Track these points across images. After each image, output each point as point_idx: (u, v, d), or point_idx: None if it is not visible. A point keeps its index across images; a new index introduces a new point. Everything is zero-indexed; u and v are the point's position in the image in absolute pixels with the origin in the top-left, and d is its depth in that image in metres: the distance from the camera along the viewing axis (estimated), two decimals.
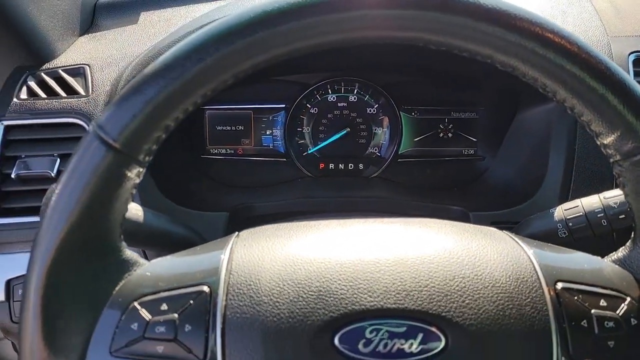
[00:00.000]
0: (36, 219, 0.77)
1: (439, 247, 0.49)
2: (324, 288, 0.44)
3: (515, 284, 0.45)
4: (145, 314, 0.44)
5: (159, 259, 0.51)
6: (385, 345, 0.43)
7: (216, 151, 0.99)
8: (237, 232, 0.51)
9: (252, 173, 0.98)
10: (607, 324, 0.44)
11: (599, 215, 0.62)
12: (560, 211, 0.66)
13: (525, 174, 0.87)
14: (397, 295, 0.44)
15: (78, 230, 0.45)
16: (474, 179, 0.97)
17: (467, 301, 0.44)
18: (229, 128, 0.98)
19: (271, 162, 0.99)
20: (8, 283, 0.79)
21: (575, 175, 0.78)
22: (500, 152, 0.95)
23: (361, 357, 0.43)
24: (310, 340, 0.43)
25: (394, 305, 0.44)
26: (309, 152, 0.98)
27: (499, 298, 0.44)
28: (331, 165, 0.98)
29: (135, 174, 0.46)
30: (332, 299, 0.44)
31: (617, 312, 0.45)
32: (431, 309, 0.43)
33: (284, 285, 0.45)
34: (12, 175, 0.77)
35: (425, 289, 0.44)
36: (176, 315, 0.44)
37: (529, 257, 0.48)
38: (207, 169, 0.98)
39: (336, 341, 0.43)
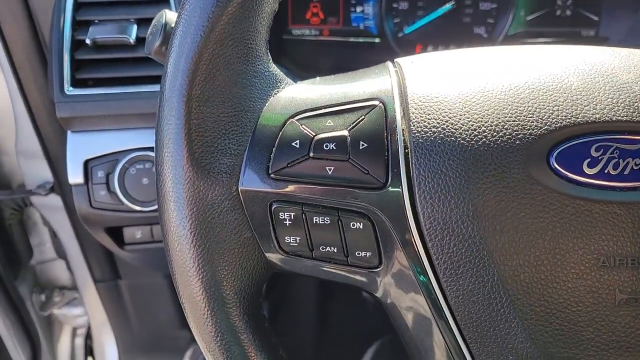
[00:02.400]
0: (113, 90, 0.69)
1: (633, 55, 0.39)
2: (534, 97, 0.35)
3: None
4: (308, 131, 0.36)
5: (308, 80, 0.42)
6: (617, 165, 0.34)
7: (299, 32, 0.88)
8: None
9: (339, 57, 0.88)
10: None
11: None
12: None
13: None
14: (627, 107, 0.34)
15: (222, 26, 0.36)
16: None
17: None
18: (314, 3, 0.87)
19: (361, 44, 0.88)
20: (86, 164, 0.71)
21: None
22: (632, 27, 0.82)
23: (586, 179, 0.33)
24: (522, 159, 0.34)
25: (624, 118, 0.34)
26: (406, 32, 0.87)
27: None
28: (430, 48, 0.87)
29: None
30: (545, 110, 0.34)
31: None
32: None
33: (481, 95, 0.35)
34: (87, 41, 0.69)
35: None
36: (346, 131, 0.36)
37: None
38: (289, 53, 0.88)
39: (553, 161, 0.34)
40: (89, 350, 1.25)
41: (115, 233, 0.78)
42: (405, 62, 0.40)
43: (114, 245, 0.78)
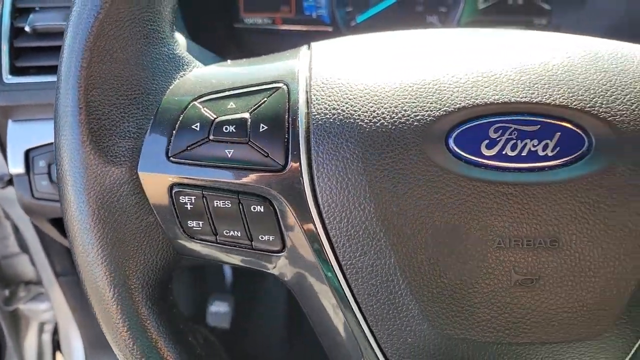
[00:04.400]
0: (55, 78, 0.68)
1: (576, 41, 0.39)
2: (435, 80, 0.35)
3: None
4: (209, 113, 0.36)
5: (220, 63, 0.42)
6: (514, 146, 0.34)
7: (252, 20, 0.87)
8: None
9: (292, 46, 0.87)
10: None
11: None
12: None
13: (618, 30, 0.75)
14: (528, 88, 0.34)
15: (117, 7, 0.35)
16: None
17: (615, 95, 0.34)
18: None
19: (314, 34, 0.87)
20: (27, 153, 0.70)
21: None
22: (582, 15, 0.83)
23: (484, 161, 0.33)
24: (420, 141, 0.34)
25: (524, 99, 0.34)
26: (358, 21, 0.86)
27: None
28: None
29: None
30: (446, 92, 0.34)
31: None
32: (572, 104, 0.34)
33: (384, 77, 0.35)
34: (26, 29, 0.67)
35: (562, 81, 0.34)
36: (247, 114, 0.35)
37: None
38: (241, 42, 0.88)
39: (451, 142, 0.34)
40: (57, 346, 1.24)
41: (62, 224, 0.76)
42: (318, 45, 0.40)
43: (61, 237, 0.77)
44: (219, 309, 1.14)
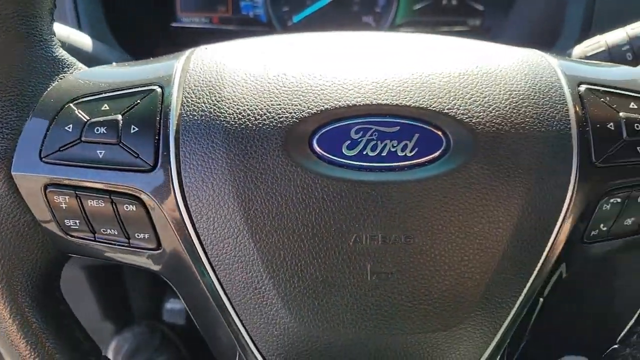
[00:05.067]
0: None
1: (441, 43, 0.40)
2: (300, 83, 0.36)
3: (531, 82, 0.37)
4: (82, 115, 0.36)
5: (102, 65, 0.42)
6: (374, 147, 0.35)
7: (188, 19, 0.88)
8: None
9: None
10: (637, 127, 0.37)
11: (623, 49, 0.53)
12: (580, 49, 0.56)
13: (538, 37, 0.77)
14: (390, 91, 0.36)
15: None
16: None
17: (474, 98, 0.36)
18: None
19: (251, 33, 0.88)
20: None
21: (595, 20, 0.68)
22: (510, 20, 0.84)
23: (345, 161, 0.35)
24: (283, 142, 0.35)
25: (385, 101, 0.35)
26: (294, 20, 0.87)
27: (511, 96, 0.36)
28: None
29: None
30: (310, 94, 0.36)
31: None
32: (430, 106, 0.35)
33: (252, 80, 0.36)
34: None
35: (424, 84, 0.36)
36: (120, 115, 0.36)
37: (548, 60, 0.40)
38: (178, 41, 0.88)
39: (315, 143, 0.35)
40: None
41: None
42: (201, 49, 0.41)
43: None
44: (174, 306, 1.15)
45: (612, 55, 0.54)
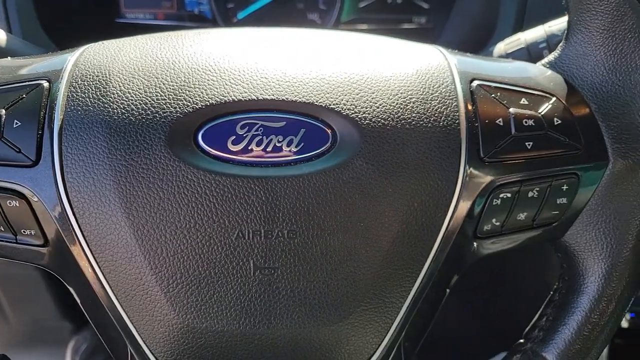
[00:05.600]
0: None
1: (338, 39, 0.40)
2: (186, 79, 0.36)
3: (422, 78, 0.38)
4: None
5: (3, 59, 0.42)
6: (260, 142, 0.35)
7: (133, 15, 0.87)
8: None
9: None
10: (526, 123, 0.38)
11: (540, 46, 0.54)
12: (501, 46, 0.57)
13: (477, 32, 0.78)
14: (276, 86, 0.36)
15: None
16: None
17: (362, 94, 0.36)
18: None
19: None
20: None
21: (528, 17, 0.69)
22: (451, 17, 0.85)
23: (229, 156, 0.35)
24: (166, 137, 0.35)
25: (271, 96, 0.35)
26: (239, 17, 0.87)
27: (400, 92, 0.37)
28: None
29: None
30: (196, 90, 0.35)
31: (540, 111, 0.38)
32: (317, 101, 0.35)
33: (141, 75, 0.36)
34: None
35: (313, 80, 0.36)
36: (3, 110, 0.36)
37: (445, 57, 0.40)
38: (123, 37, 0.87)
39: (200, 138, 0.35)
40: None
41: None
42: (97, 44, 0.40)
43: None
44: None
45: (531, 52, 0.54)
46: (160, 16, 0.87)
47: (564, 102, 0.39)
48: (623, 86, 0.39)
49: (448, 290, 0.41)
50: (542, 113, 0.38)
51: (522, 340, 0.44)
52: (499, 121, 0.38)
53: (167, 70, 0.36)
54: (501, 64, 0.42)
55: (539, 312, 0.44)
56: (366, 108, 0.36)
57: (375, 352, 0.38)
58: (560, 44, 0.42)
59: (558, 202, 0.39)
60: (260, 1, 0.86)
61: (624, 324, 0.75)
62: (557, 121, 0.38)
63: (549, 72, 0.42)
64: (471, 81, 0.39)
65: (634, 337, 0.77)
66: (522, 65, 0.42)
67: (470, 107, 0.38)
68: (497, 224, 0.39)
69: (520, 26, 0.70)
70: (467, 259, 0.40)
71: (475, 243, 0.39)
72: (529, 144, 0.38)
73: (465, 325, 0.95)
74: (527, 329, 0.45)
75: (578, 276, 0.42)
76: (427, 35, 0.88)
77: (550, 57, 0.43)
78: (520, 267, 0.81)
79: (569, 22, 0.41)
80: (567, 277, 0.43)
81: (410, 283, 0.37)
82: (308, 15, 0.87)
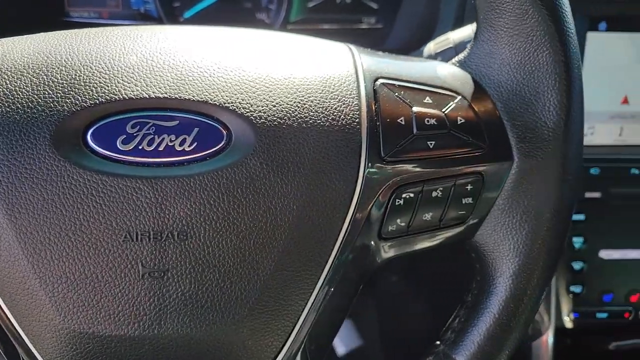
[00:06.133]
0: None
1: (238, 37, 0.39)
2: (77, 76, 0.35)
3: (324, 76, 0.37)
4: None
5: None
6: (151, 141, 0.34)
7: (77, 14, 0.86)
8: None
9: None
10: (428, 121, 0.37)
11: (467, 46, 0.53)
12: (431, 46, 0.56)
13: (421, 33, 0.78)
14: (170, 84, 0.35)
15: None
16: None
17: (259, 92, 0.35)
18: None
19: None
20: None
21: (466, 18, 0.69)
22: (398, 17, 0.85)
23: (120, 156, 0.34)
24: (51, 136, 0.33)
25: (164, 95, 0.34)
26: (185, 16, 0.86)
27: (299, 90, 0.36)
28: None
29: None
30: (86, 88, 0.34)
31: (443, 109, 0.38)
32: (211, 100, 0.34)
33: (28, 73, 0.35)
34: None
35: (208, 78, 0.35)
36: None
37: (353, 55, 0.39)
38: None
39: (89, 138, 0.34)
40: None
41: None
42: (6, 40, 0.39)
43: None
44: None
45: (458, 51, 0.54)
46: (105, 15, 0.86)
47: (469, 100, 0.39)
48: (527, 84, 0.39)
49: (357, 292, 0.41)
50: (446, 112, 0.38)
51: (437, 342, 0.44)
52: (401, 120, 0.37)
53: (58, 68, 0.35)
54: (411, 63, 0.42)
55: (454, 314, 0.44)
56: (262, 107, 0.35)
57: (276, 356, 0.38)
58: (470, 43, 0.42)
59: (464, 202, 0.39)
60: (206, 0, 0.85)
61: (568, 324, 0.76)
62: (460, 120, 0.38)
63: (458, 70, 0.41)
64: (376, 80, 0.38)
65: (578, 337, 0.77)
66: (432, 64, 0.42)
67: (372, 106, 0.37)
68: (403, 224, 0.38)
69: (459, 27, 0.70)
70: (374, 260, 0.39)
71: (381, 244, 0.39)
72: (431, 143, 0.37)
73: (416, 324, 0.95)
74: (442, 330, 0.44)
75: (488, 277, 0.41)
76: (376, 36, 0.88)
77: (461, 55, 0.42)
78: (451, 266, 0.81)
79: (477, 20, 0.41)
80: (479, 278, 0.42)
81: (309, 286, 0.37)
82: (256, 14, 0.87)
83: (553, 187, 0.39)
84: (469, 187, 0.38)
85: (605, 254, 0.74)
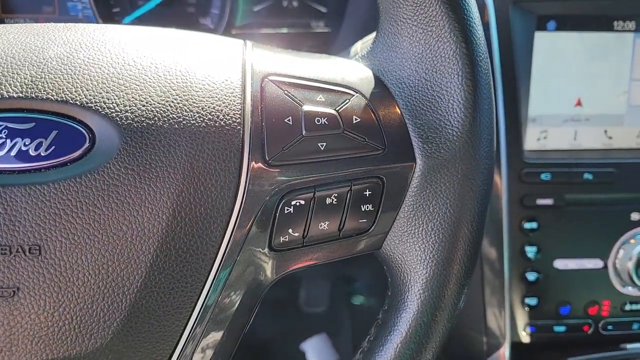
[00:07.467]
0: None
1: (113, 34, 0.36)
2: None
3: (206, 74, 0.33)
4: None
5: None
6: (3, 146, 0.30)
7: (13, 21, 0.82)
8: None
9: None
10: (319, 121, 0.34)
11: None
12: (358, 45, 0.53)
13: (366, 34, 0.75)
14: (27, 83, 0.31)
15: None
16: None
17: (127, 91, 0.32)
18: None
19: None
20: None
21: None
22: (345, 21, 0.82)
23: None
24: None
25: (19, 94, 0.31)
26: (124, 22, 0.82)
27: (173, 88, 0.32)
28: None
29: None
30: None
31: (337, 108, 0.34)
32: (72, 99, 0.31)
33: None
34: None
35: (71, 76, 0.32)
36: None
37: (244, 52, 0.36)
38: None
39: None
40: None
41: None
42: None
43: None
44: None
45: None
46: (42, 21, 0.82)
47: (367, 98, 0.36)
48: (430, 79, 0.35)
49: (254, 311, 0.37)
50: (339, 110, 0.35)
51: None
52: (288, 120, 0.34)
53: None
54: (308, 59, 0.38)
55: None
56: (129, 106, 0.32)
57: None
58: (373, 37, 0.39)
59: (363, 209, 0.35)
60: (146, 5, 0.82)
61: (525, 338, 0.72)
62: (356, 119, 0.35)
63: (359, 66, 0.38)
64: (265, 77, 0.35)
65: (536, 352, 0.73)
66: (331, 61, 0.39)
67: (259, 105, 0.34)
68: (296, 234, 0.35)
69: None
70: (266, 276, 0.36)
71: (273, 257, 0.35)
72: (322, 145, 0.34)
73: None
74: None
75: (398, 290, 0.38)
76: (325, 40, 0.85)
77: (363, 50, 0.39)
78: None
79: (379, 11, 0.38)
80: (389, 292, 0.39)
81: (187, 306, 0.33)
82: (200, 19, 0.84)
83: (460, 190, 0.35)
84: (367, 192, 0.35)
85: (560, 263, 0.70)
